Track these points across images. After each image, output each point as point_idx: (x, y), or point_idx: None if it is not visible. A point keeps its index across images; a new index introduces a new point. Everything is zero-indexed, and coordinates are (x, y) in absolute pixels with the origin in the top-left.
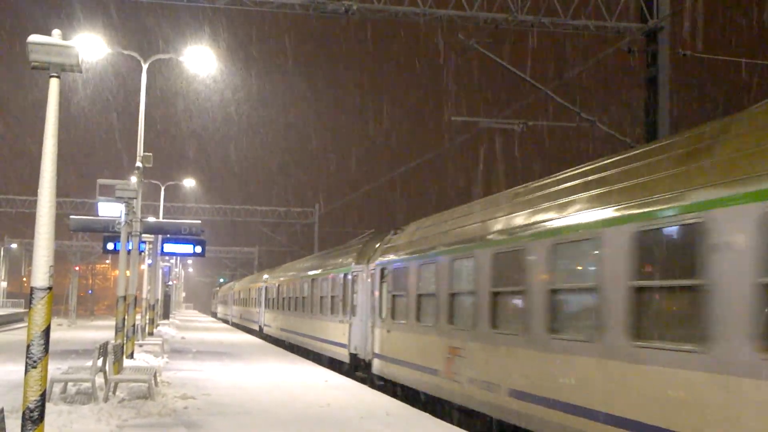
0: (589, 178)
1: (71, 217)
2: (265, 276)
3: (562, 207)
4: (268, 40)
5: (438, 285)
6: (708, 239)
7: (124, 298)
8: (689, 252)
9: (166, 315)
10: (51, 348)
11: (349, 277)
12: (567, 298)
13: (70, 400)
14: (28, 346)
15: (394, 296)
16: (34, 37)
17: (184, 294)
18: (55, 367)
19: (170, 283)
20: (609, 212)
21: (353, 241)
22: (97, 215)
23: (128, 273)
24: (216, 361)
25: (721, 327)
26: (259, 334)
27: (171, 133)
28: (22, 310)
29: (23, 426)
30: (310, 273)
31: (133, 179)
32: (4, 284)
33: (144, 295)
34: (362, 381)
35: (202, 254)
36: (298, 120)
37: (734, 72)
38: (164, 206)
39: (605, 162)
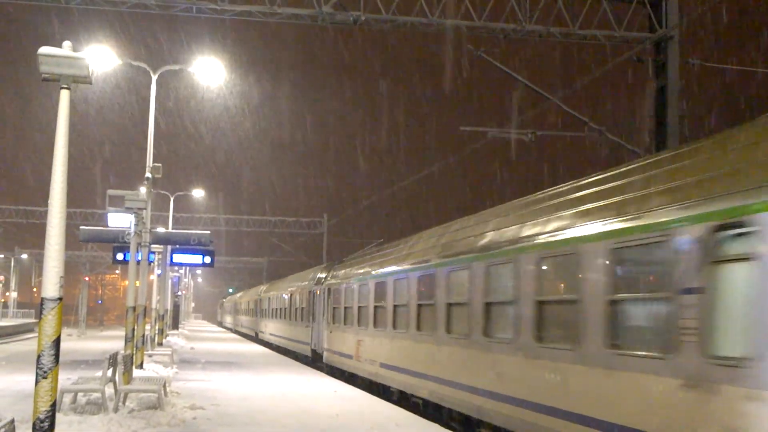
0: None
1: (81, 227)
2: (260, 290)
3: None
4: (278, 49)
5: (352, 300)
6: (577, 266)
7: (134, 308)
8: (565, 275)
9: (175, 325)
10: (61, 358)
11: (312, 293)
12: (403, 310)
13: (80, 410)
14: (39, 357)
15: (334, 308)
16: (44, 49)
17: (193, 304)
18: (65, 378)
19: (179, 293)
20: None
21: (318, 267)
22: (107, 226)
23: (138, 283)
24: (225, 371)
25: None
26: (256, 339)
27: (181, 143)
28: (32, 320)
29: None
30: (289, 289)
31: (143, 190)
32: (15, 294)
33: (153, 306)
34: (320, 369)
35: (211, 264)
36: (307, 130)
37: (746, 81)
38: (173, 216)
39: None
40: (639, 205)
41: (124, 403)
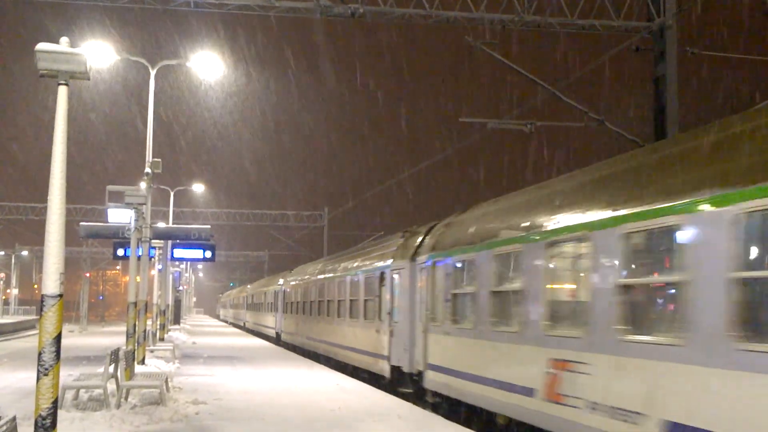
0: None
1: (81, 223)
2: (247, 289)
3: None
4: (277, 42)
5: (298, 298)
6: (340, 285)
7: (135, 303)
8: (331, 289)
9: (176, 320)
10: (62, 355)
11: (276, 292)
12: (312, 303)
13: (82, 406)
14: (40, 354)
15: (285, 302)
16: (42, 46)
17: (194, 299)
18: (66, 374)
19: (180, 288)
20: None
21: (281, 273)
22: (107, 221)
23: (138, 279)
24: (227, 365)
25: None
26: (244, 328)
27: (180, 138)
28: (33, 317)
29: None
30: (263, 288)
31: (143, 185)
32: (16, 291)
33: (154, 301)
34: (278, 345)
35: (212, 259)
36: (307, 123)
37: (745, 69)
38: (174, 211)
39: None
40: (371, 258)
41: (126, 399)
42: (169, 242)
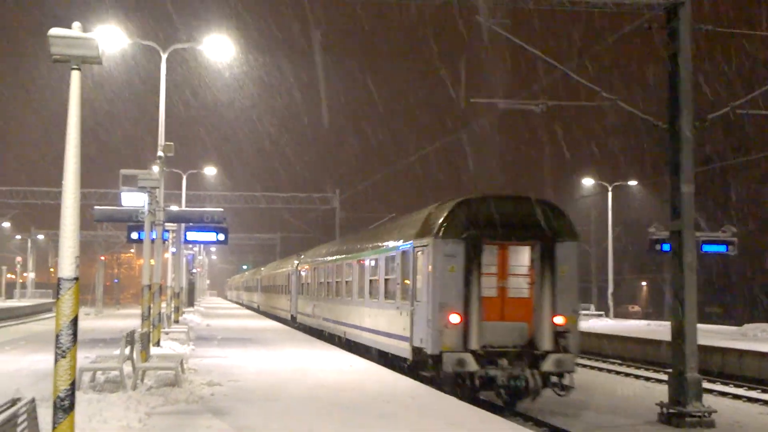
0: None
1: (95, 207)
2: (246, 275)
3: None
4: (288, 22)
5: (269, 283)
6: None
7: (149, 286)
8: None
9: (190, 302)
10: (79, 337)
11: (257, 279)
12: (270, 287)
13: (99, 388)
14: (57, 336)
15: (263, 285)
16: (54, 30)
17: (208, 281)
18: (83, 356)
19: (194, 270)
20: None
21: (261, 266)
22: (121, 205)
23: (152, 262)
24: (241, 347)
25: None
26: (242, 305)
27: (193, 121)
28: (50, 300)
29: (54, 414)
30: (254, 277)
31: (156, 169)
32: (33, 275)
33: (169, 284)
34: (259, 313)
35: (225, 242)
36: (319, 105)
37: (761, 47)
38: (186, 195)
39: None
40: (284, 266)
41: (142, 380)
42: (183, 225)
